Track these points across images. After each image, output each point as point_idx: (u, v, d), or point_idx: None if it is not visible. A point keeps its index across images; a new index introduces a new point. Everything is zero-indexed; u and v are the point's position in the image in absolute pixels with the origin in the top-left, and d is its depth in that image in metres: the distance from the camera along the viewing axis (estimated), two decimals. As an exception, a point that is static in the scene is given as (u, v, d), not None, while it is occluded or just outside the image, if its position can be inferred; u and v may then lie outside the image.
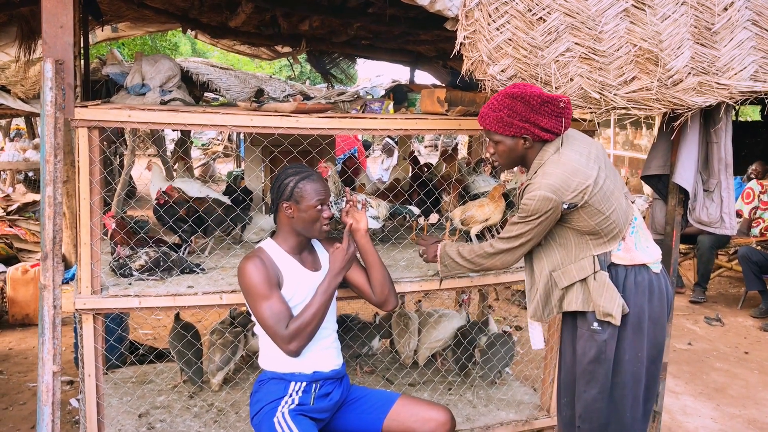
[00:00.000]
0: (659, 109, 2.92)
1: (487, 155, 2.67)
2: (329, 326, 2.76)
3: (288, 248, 2.71)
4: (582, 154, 2.48)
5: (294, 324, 2.55)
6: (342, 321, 3.87)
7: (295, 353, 2.58)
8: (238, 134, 12.21)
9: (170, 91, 3.31)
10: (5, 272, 5.84)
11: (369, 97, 4.24)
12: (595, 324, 2.52)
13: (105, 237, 3.13)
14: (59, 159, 2.45)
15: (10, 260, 6.79)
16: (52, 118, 2.41)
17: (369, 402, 2.80)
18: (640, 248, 2.56)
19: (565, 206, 2.43)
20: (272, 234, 2.83)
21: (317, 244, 2.86)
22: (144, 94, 3.29)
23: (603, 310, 2.48)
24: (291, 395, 2.64)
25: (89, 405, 2.82)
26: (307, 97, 3.30)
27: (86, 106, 2.60)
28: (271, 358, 2.69)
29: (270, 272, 2.60)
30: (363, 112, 3.37)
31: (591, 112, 2.87)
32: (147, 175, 3.51)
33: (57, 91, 2.40)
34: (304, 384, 2.66)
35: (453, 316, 4.09)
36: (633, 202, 2.66)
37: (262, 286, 2.55)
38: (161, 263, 2.95)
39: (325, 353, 2.73)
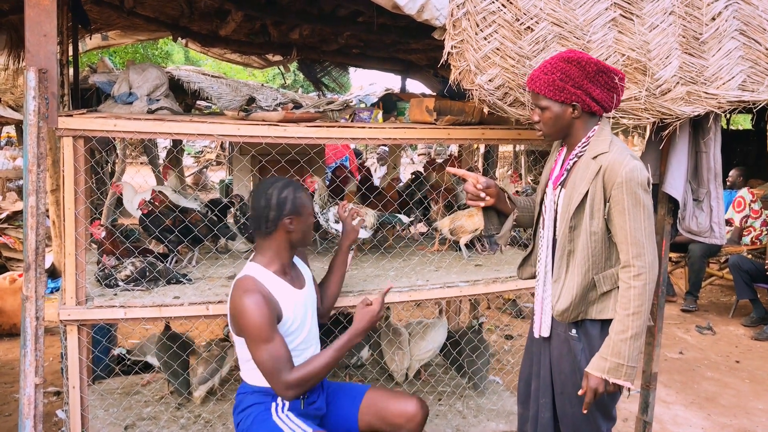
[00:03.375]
0: (648, 118, 2.92)
1: (535, 119, 2.46)
2: (314, 337, 2.72)
3: (277, 269, 2.58)
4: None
5: (298, 373, 2.42)
6: (338, 322, 3.86)
7: (291, 399, 2.51)
8: (230, 143, 12.19)
9: (158, 100, 3.28)
10: (-8, 282, 5.79)
11: (362, 105, 4.23)
12: (573, 331, 2.42)
13: (90, 247, 3.11)
14: (42, 168, 2.42)
15: (-1, 269, 6.74)
16: (35, 128, 2.38)
17: (342, 397, 2.76)
18: None
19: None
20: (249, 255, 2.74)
21: (296, 258, 2.77)
22: (131, 103, 3.26)
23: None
24: (278, 404, 2.60)
25: (74, 417, 2.79)
26: (298, 106, 3.28)
27: (71, 115, 2.58)
28: (257, 373, 2.55)
29: (271, 310, 2.43)
30: (352, 121, 3.35)
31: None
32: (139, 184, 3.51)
33: (40, 100, 2.38)
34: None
35: (437, 324, 4.07)
36: None
37: (265, 329, 2.39)
38: (147, 273, 2.93)
39: None
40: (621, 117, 2.89)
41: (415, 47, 5.08)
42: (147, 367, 3.91)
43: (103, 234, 2.99)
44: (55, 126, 2.48)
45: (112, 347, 4.03)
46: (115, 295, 2.85)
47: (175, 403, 3.62)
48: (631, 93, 2.86)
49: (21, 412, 2.47)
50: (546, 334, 2.53)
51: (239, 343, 2.55)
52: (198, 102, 8.21)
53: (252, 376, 2.61)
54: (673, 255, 7.27)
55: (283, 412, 2.57)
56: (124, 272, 2.89)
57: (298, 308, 2.59)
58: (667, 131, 2.99)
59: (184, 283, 3.03)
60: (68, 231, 2.62)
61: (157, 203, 3.28)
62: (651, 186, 2.32)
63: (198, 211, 3.36)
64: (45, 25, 2.40)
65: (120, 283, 2.89)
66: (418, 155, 19.73)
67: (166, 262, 3.17)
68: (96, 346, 3.66)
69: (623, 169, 2.25)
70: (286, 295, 2.56)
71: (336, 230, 3.32)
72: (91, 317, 2.72)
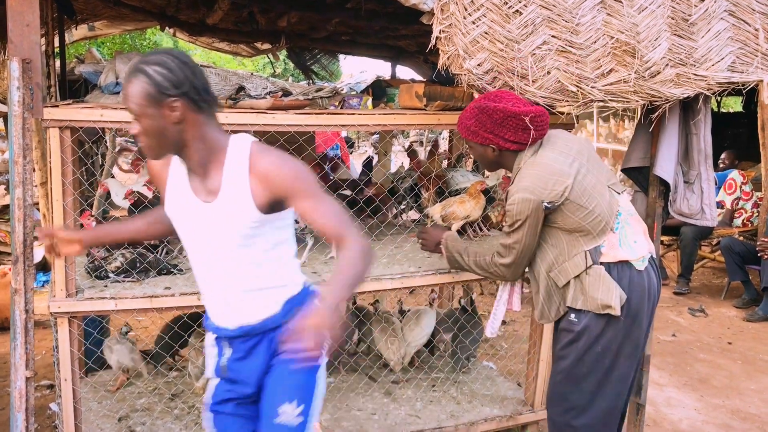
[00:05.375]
0: (637, 101, 2.91)
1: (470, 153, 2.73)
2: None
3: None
4: (562, 153, 2.55)
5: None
6: None
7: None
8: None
9: (145, 90, 3.25)
10: (-16, 276, 5.75)
11: (352, 93, 4.20)
12: (572, 316, 2.59)
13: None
14: (28, 160, 2.41)
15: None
16: (20, 119, 2.36)
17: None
18: (625, 245, 2.57)
19: (547, 205, 2.48)
20: None
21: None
22: (118, 93, 3.23)
23: (601, 303, 2.51)
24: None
25: (66, 410, 2.78)
26: (287, 94, 3.26)
27: (57, 106, 2.56)
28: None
29: None
30: (342, 108, 3.33)
31: (568, 105, 2.85)
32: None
33: (24, 91, 2.36)
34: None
35: (429, 311, 4.07)
36: (620, 194, 2.65)
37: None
38: (138, 264, 2.91)
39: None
40: (610, 100, 2.88)
41: (404, 33, 5.05)
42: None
43: (94, 225, 2.97)
44: (40, 117, 2.46)
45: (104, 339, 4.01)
46: (106, 286, 2.84)
47: (169, 393, 3.62)
48: (620, 76, 2.85)
49: (12, 406, 2.46)
50: None
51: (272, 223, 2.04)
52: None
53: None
54: (664, 238, 7.29)
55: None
56: (115, 263, 2.87)
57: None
58: (656, 114, 2.99)
59: (175, 274, 3.02)
60: (57, 223, 2.60)
61: (131, 203, 3.25)
62: (550, 206, 2.49)
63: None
64: (27, 14, 2.37)
65: (110, 275, 2.87)
66: (410, 142, 19.70)
67: (156, 252, 3.15)
68: (87, 338, 3.64)
69: (507, 202, 2.59)
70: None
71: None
72: (82, 309, 2.71)
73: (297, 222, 3.22)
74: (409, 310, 4.09)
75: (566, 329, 2.62)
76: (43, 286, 6.10)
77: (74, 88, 7.27)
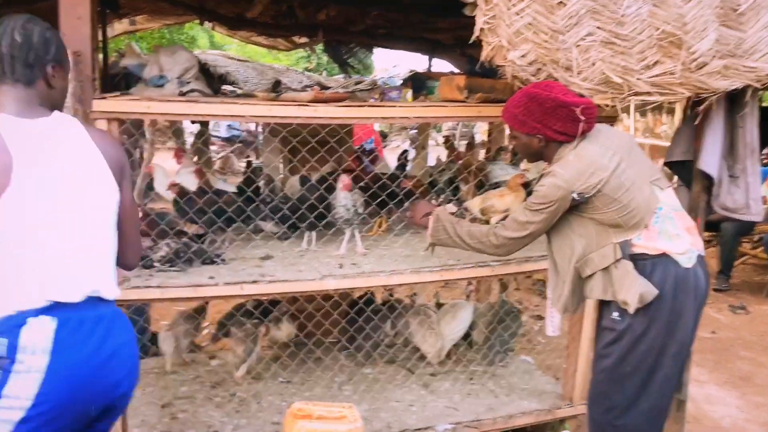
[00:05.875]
0: (683, 93, 2.86)
1: (513, 144, 2.71)
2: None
3: None
4: (603, 146, 2.52)
5: None
6: (354, 303, 3.90)
7: None
8: (256, 126, 12.22)
9: (188, 82, 3.30)
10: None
11: (387, 86, 4.21)
12: (615, 314, 2.54)
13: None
14: (79, 151, 2.45)
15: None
16: (71, 110, 2.41)
17: None
18: (664, 237, 2.51)
19: (576, 196, 2.46)
20: None
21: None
22: (162, 86, 3.28)
23: (621, 298, 2.49)
24: None
25: (112, 396, 2.83)
26: (324, 88, 3.29)
27: (105, 98, 2.61)
28: None
29: None
30: (381, 100, 3.34)
31: (613, 97, 2.82)
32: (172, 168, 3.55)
33: (75, 83, 2.41)
34: None
35: (466, 304, 4.07)
36: (664, 189, 2.59)
37: None
38: (182, 254, 2.96)
39: None
40: (656, 92, 2.84)
41: (442, 26, 5.04)
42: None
43: (140, 215, 3.03)
44: (89, 109, 2.51)
45: (148, 327, 4.10)
46: (151, 275, 2.89)
47: (211, 382, 3.68)
48: (666, 67, 2.80)
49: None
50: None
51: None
52: (223, 86, 8.25)
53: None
54: (705, 234, 7.15)
55: None
56: (160, 253, 2.92)
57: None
58: (702, 106, 2.94)
59: (219, 264, 3.06)
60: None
61: (174, 194, 3.29)
62: (580, 198, 2.46)
63: (231, 192, 3.38)
64: (79, 7, 2.42)
65: (156, 264, 2.92)
66: (443, 136, 19.63)
67: (201, 242, 3.19)
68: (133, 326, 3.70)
69: (540, 182, 2.57)
70: None
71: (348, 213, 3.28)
72: (129, 297, 2.75)
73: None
74: (446, 303, 4.10)
75: (609, 328, 2.58)
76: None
77: (114, 82, 7.40)
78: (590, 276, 2.56)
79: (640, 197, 2.48)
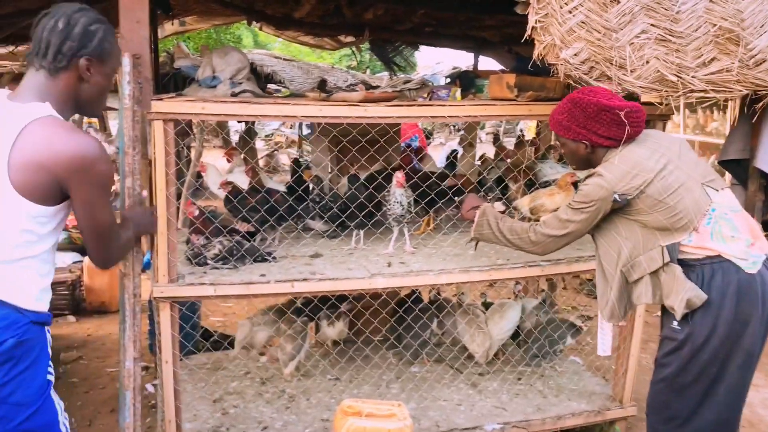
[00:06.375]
0: (740, 91, 2.80)
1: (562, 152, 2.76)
2: None
3: None
4: (649, 149, 2.49)
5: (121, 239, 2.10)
6: (402, 302, 3.90)
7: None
8: (301, 124, 12.31)
9: (240, 83, 3.34)
10: (81, 261, 6.06)
11: (430, 83, 4.21)
12: (675, 323, 2.46)
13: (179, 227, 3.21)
14: (137, 151, 2.52)
15: (85, 250, 7.03)
16: (130, 111, 2.47)
17: None
18: (719, 239, 2.41)
19: (618, 198, 2.43)
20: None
21: None
22: (215, 87, 3.33)
23: (669, 303, 2.45)
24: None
25: (167, 391, 2.89)
26: (369, 86, 3.30)
27: (161, 99, 2.66)
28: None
29: None
30: (430, 99, 3.34)
31: (667, 96, 2.77)
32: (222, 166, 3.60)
33: (134, 85, 2.47)
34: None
35: (514, 304, 4.04)
36: (719, 191, 2.49)
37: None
38: (235, 252, 3.01)
39: None
40: (712, 90, 2.78)
41: (489, 23, 5.02)
42: (233, 343, 4.02)
43: (197, 213, 3.09)
44: (148, 110, 2.57)
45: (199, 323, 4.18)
46: (205, 273, 2.94)
47: (261, 378, 3.73)
48: (723, 64, 2.75)
49: (121, 384, 2.59)
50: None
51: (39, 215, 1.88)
52: (269, 85, 8.35)
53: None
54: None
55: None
56: (213, 251, 2.98)
57: None
58: (761, 104, 2.87)
59: (270, 262, 3.10)
60: (160, 212, 2.70)
61: (226, 192, 3.34)
62: (621, 200, 2.44)
63: (282, 192, 3.42)
64: (138, 11, 2.48)
65: (209, 262, 2.98)
66: (486, 134, 19.52)
67: (253, 240, 3.24)
68: (186, 322, 3.78)
69: (584, 182, 2.58)
70: None
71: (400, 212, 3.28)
72: (183, 294, 2.82)
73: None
74: (494, 303, 4.08)
75: (669, 337, 2.51)
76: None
77: (163, 83, 7.54)
78: (638, 281, 2.52)
79: (688, 199, 2.41)
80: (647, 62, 2.70)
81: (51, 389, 1.98)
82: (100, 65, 1.98)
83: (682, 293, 2.39)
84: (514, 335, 4.03)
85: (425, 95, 3.39)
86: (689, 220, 2.41)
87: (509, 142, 6.44)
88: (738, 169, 3.39)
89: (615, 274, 2.57)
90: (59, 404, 2.03)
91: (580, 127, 2.52)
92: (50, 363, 2.01)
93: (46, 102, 1.90)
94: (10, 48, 6.08)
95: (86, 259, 5.97)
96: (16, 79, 8.33)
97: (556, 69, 2.68)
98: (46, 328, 1.99)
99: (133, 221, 2.35)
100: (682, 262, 2.43)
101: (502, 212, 3.84)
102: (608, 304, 2.62)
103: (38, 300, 1.94)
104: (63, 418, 2.02)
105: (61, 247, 6.83)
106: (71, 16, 1.92)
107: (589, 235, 2.65)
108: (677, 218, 2.41)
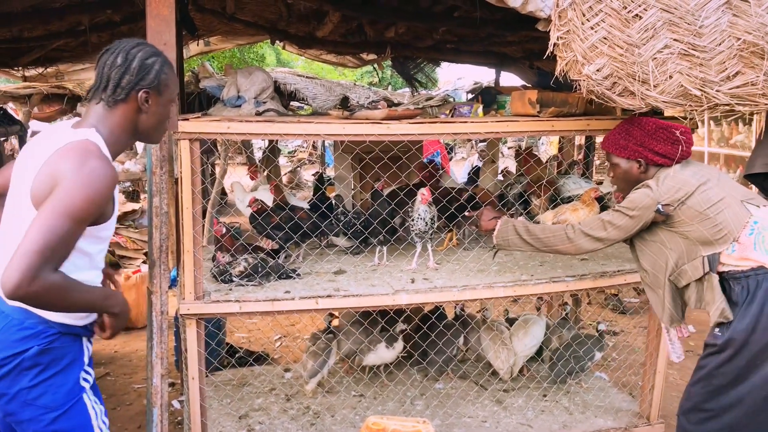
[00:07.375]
0: (765, 104, 2.78)
1: (610, 176, 2.85)
2: None
3: (113, 155, 2.01)
4: (692, 171, 2.62)
5: (60, 278, 1.76)
6: (426, 318, 3.90)
7: (20, 298, 1.71)
8: (323, 142, 12.41)
9: (264, 102, 3.39)
10: (109, 278, 6.11)
11: (451, 100, 4.23)
12: (717, 329, 2.53)
13: (205, 245, 3.25)
14: (164, 170, 2.56)
15: (112, 267, 7.12)
16: (158, 132, 2.51)
17: None
18: (762, 250, 2.46)
19: (661, 208, 2.53)
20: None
21: None
22: (239, 106, 3.38)
23: (708, 310, 2.54)
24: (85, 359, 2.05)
25: (193, 407, 2.91)
26: (391, 103, 3.32)
27: (187, 119, 2.70)
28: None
29: (109, 197, 1.91)
30: (452, 116, 3.36)
31: (692, 110, 2.76)
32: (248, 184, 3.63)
33: (162, 106, 2.51)
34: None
35: (538, 320, 4.02)
36: (760, 207, 2.54)
37: (91, 208, 1.81)
38: (260, 269, 3.03)
39: None
40: (736, 104, 2.76)
41: (510, 39, 5.02)
42: (257, 360, 4.06)
43: (223, 230, 3.13)
44: (175, 129, 2.61)
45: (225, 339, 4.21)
46: (230, 290, 2.97)
47: (286, 394, 3.75)
48: (747, 78, 2.73)
49: (148, 401, 2.62)
50: None
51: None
52: (291, 103, 8.43)
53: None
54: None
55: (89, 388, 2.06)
56: (238, 268, 3.01)
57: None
58: (787, 117, 2.85)
59: (294, 278, 3.12)
60: (186, 230, 2.74)
61: (254, 210, 3.37)
62: (663, 210, 2.55)
63: (305, 209, 3.45)
64: (165, 34, 2.53)
65: (234, 279, 3.01)
66: (508, 148, 19.50)
67: (277, 258, 3.27)
68: (212, 338, 3.81)
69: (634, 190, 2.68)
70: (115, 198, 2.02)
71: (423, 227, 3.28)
72: (209, 311, 2.84)
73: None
74: (517, 319, 4.06)
75: (710, 343, 2.56)
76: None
77: (189, 101, 7.65)
78: (686, 286, 2.61)
79: (728, 212, 2.50)
80: (670, 77, 2.69)
81: (85, 394, 2.01)
82: (158, 96, 2.05)
83: (717, 303, 2.48)
84: (539, 351, 4.01)
85: (447, 112, 3.40)
86: (729, 231, 2.50)
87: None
88: (765, 182, 3.36)
89: (663, 283, 2.67)
90: (97, 410, 2.05)
91: (637, 145, 2.64)
92: (87, 370, 2.04)
93: (93, 128, 1.95)
94: (40, 69, 6.23)
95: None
96: (45, 99, 8.51)
97: (579, 85, 2.68)
98: (84, 338, 2.03)
99: (121, 308, 2.04)
100: (728, 276, 2.50)
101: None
102: (665, 311, 2.71)
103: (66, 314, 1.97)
104: (100, 423, 2.04)
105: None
106: (129, 51, 2.01)
107: (630, 251, 2.77)
108: (717, 230, 2.50)
